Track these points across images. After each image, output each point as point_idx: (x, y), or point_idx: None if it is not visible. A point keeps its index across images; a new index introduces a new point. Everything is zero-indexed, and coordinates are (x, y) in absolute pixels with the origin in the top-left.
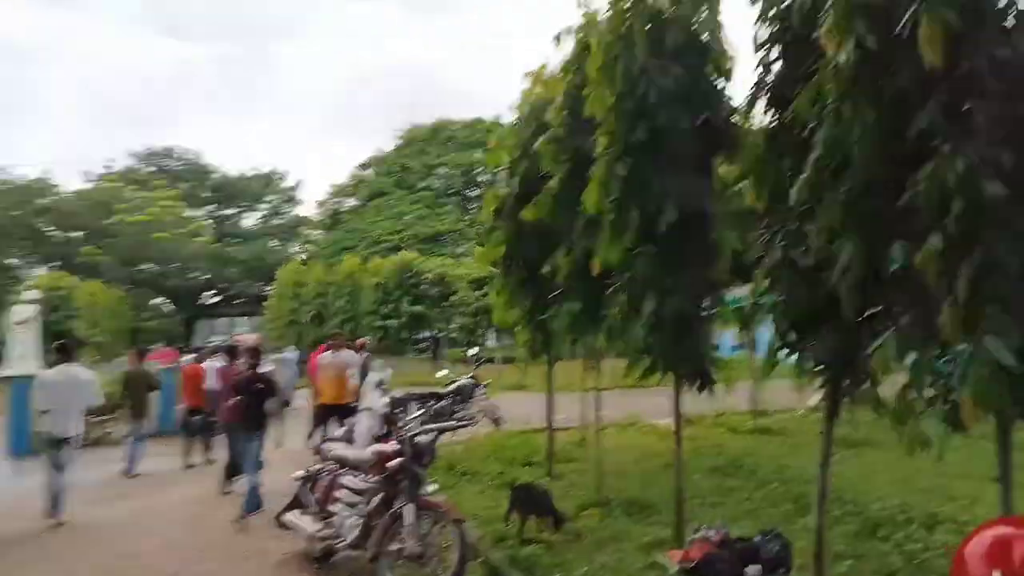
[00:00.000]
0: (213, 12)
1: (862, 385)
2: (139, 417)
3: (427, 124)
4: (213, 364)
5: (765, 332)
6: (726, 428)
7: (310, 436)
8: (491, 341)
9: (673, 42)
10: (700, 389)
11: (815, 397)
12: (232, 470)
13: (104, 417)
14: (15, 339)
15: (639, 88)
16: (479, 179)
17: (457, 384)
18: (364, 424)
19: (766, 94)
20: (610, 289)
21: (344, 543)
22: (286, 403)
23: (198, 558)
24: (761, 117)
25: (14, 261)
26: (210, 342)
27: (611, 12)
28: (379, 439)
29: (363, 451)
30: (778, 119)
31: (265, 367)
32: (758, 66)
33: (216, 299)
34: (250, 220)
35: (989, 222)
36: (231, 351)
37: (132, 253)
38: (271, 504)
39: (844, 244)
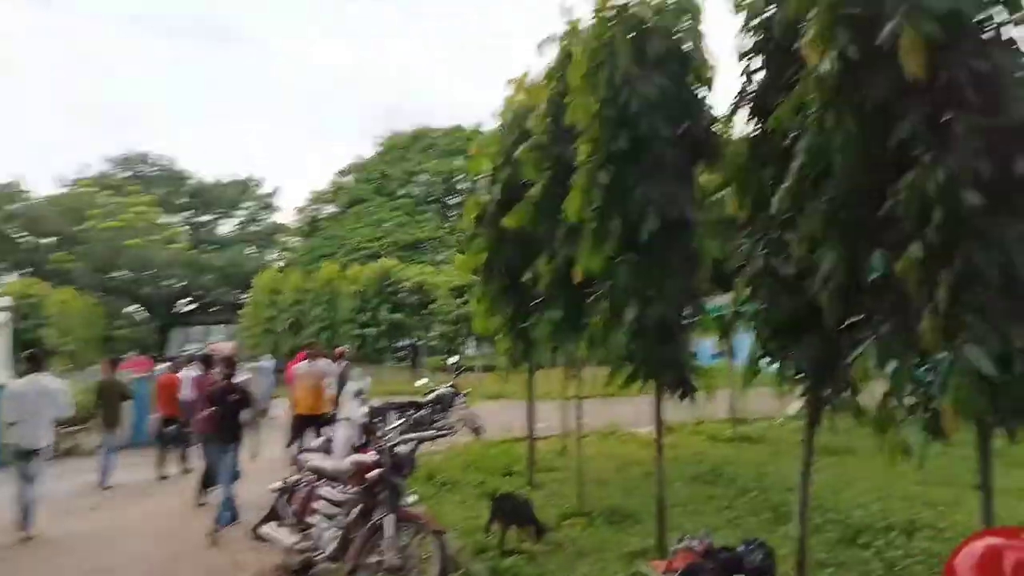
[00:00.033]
0: (189, 14)
1: (843, 393)
2: (112, 427)
3: (407, 131)
4: (189, 373)
5: (745, 340)
6: (706, 436)
7: (288, 446)
8: (471, 349)
9: (655, 51)
10: (681, 397)
11: (794, 405)
12: (208, 481)
13: (76, 427)
14: None
15: (621, 96)
16: (459, 186)
17: (437, 393)
18: (343, 434)
19: (748, 103)
20: (592, 297)
21: (322, 555)
22: (263, 412)
23: (171, 572)
24: (743, 126)
25: None
26: (185, 351)
27: (594, 20)
28: (358, 449)
29: (342, 462)
30: (760, 128)
31: (241, 376)
32: (741, 75)
33: (191, 307)
34: (226, 227)
35: (968, 232)
36: (206, 360)
37: (105, 260)
38: (247, 516)
39: (825, 253)
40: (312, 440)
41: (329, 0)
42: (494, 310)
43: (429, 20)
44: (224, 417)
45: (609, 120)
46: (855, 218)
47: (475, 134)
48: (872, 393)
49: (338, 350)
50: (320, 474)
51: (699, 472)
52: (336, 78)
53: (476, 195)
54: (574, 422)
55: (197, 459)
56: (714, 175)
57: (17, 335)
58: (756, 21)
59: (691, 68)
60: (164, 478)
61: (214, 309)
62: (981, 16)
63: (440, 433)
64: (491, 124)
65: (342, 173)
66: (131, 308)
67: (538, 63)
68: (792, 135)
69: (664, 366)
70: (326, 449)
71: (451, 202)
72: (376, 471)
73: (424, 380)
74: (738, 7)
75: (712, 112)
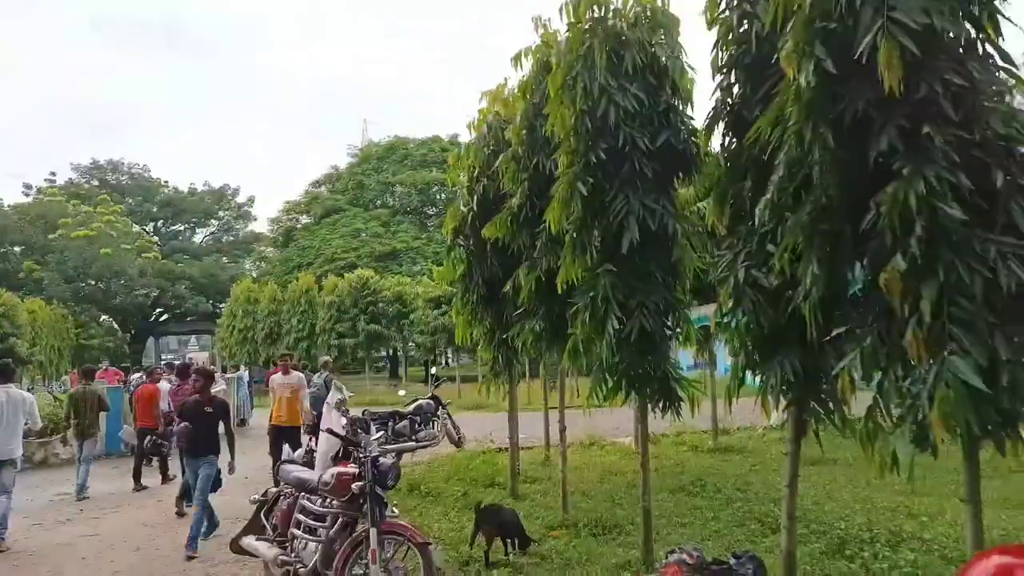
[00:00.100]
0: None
1: (827, 405)
2: (88, 438)
3: (382, 142)
4: (167, 384)
5: (724, 350)
6: (687, 447)
7: (271, 455)
8: (451, 360)
9: (632, 63)
10: (664, 410)
11: (776, 416)
12: (188, 491)
13: (49, 438)
14: None
15: (599, 108)
16: (436, 197)
17: (417, 403)
18: (324, 445)
19: (726, 116)
20: (573, 308)
21: (305, 569)
22: (241, 422)
23: None
24: (721, 139)
25: None
26: (160, 362)
27: (570, 33)
28: (339, 460)
29: (323, 473)
30: (738, 141)
31: (217, 387)
32: (715, 91)
33: (165, 317)
34: (201, 236)
35: (950, 244)
36: (183, 371)
37: (75, 269)
38: (226, 528)
39: (807, 265)
40: (288, 451)
41: (309, 10)
42: (475, 321)
43: (406, 33)
44: (199, 430)
45: (587, 131)
46: (836, 230)
47: (451, 145)
48: (857, 405)
49: (322, 360)
50: (301, 486)
51: (682, 483)
52: (314, 90)
53: (455, 205)
54: (556, 433)
55: (177, 470)
56: (693, 187)
57: None
58: (731, 36)
59: (668, 80)
60: (141, 489)
61: (190, 319)
62: (957, 31)
63: (421, 444)
64: (467, 136)
65: (316, 184)
66: (103, 318)
67: (513, 75)
68: (771, 148)
69: (648, 377)
70: (307, 461)
71: (429, 212)
72: (359, 483)
73: (404, 391)
74: (711, 22)
75: (691, 124)
